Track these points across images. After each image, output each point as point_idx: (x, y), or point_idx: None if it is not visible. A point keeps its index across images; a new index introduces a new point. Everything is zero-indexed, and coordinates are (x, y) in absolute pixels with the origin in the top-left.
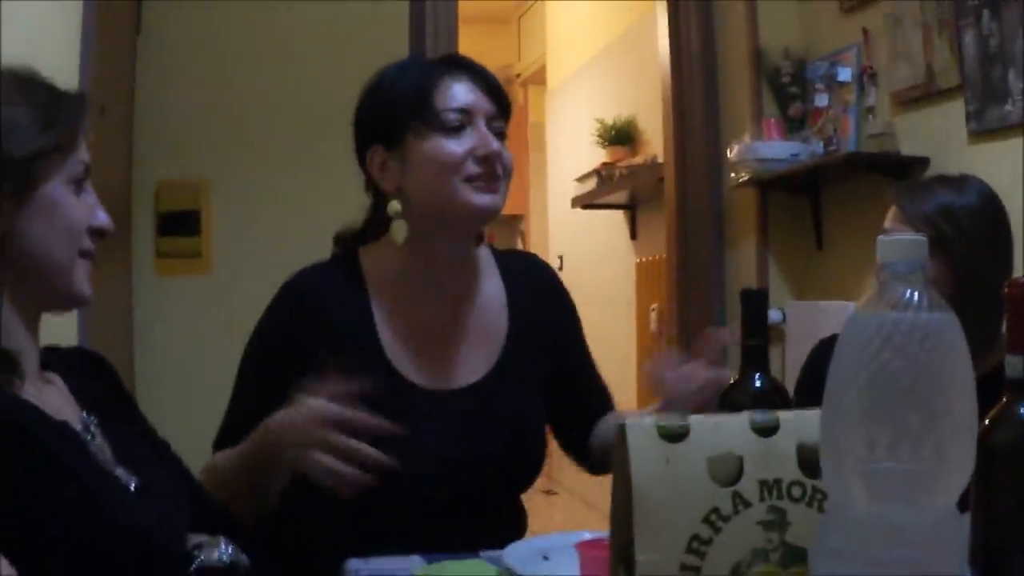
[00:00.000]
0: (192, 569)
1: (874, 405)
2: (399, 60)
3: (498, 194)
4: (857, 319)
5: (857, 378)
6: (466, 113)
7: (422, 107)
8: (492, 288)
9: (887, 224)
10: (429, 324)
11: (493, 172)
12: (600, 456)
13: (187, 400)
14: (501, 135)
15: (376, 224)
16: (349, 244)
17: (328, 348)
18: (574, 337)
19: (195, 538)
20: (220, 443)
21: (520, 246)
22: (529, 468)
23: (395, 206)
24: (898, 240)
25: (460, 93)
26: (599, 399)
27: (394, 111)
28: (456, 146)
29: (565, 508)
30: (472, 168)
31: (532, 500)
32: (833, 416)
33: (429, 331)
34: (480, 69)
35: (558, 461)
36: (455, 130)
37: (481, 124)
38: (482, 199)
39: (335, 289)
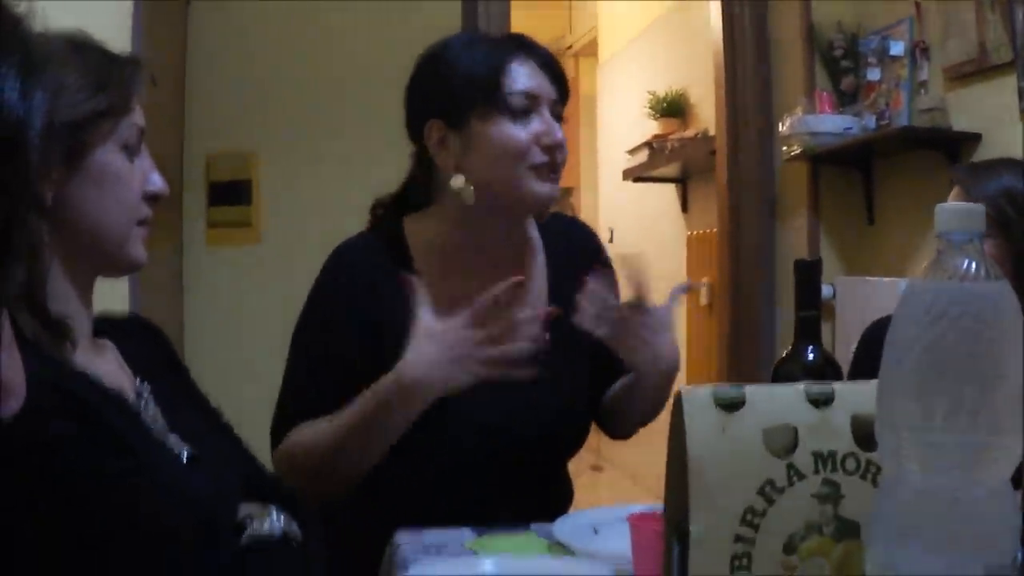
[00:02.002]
0: (244, 539)
1: (931, 376)
2: (462, 34)
3: (557, 183)
4: (914, 289)
5: (914, 349)
6: (532, 98)
7: (490, 89)
8: (535, 256)
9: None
10: (474, 292)
11: (555, 161)
12: (607, 411)
13: (237, 370)
14: (560, 119)
15: (420, 193)
16: (392, 214)
17: (378, 317)
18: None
19: (246, 508)
20: (286, 414)
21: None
22: (575, 436)
23: (459, 181)
24: (956, 209)
25: (527, 77)
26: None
27: (460, 89)
28: (522, 132)
29: (611, 484)
30: (537, 156)
31: (579, 476)
32: (889, 387)
33: (474, 299)
34: (545, 52)
35: (605, 437)
36: (521, 114)
37: (546, 110)
38: (543, 188)
39: (381, 259)
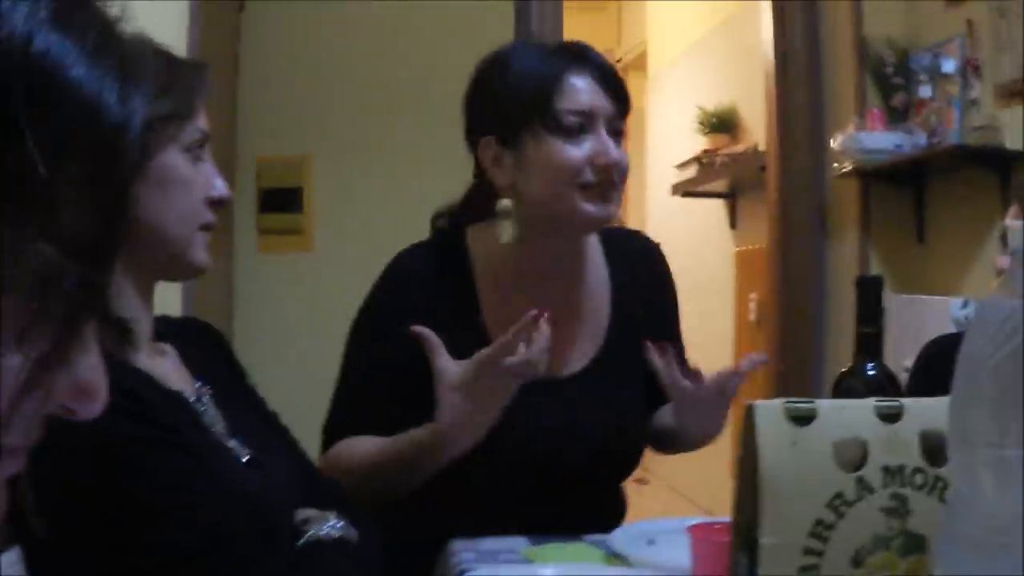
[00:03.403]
0: (301, 543)
1: (1005, 391)
2: (518, 45)
3: (612, 203)
4: (988, 305)
5: (987, 365)
6: (587, 116)
7: (542, 108)
8: (597, 273)
9: (1008, 220)
10: (534, 308)
11: (610, 180)
12: (656, 436)
13: (287, 378)
14: (619, 134)
15: (482, 205)
16: (454, 224)
17: (434, 328)
18: (673, 328)
19: (304, 512)
20: (337, 425)
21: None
22: (630, 456)
23: (505, 205)
24: None
25: (582, 93)
26: None
27: (511, 107)
28: (575, 152)
29: (656, 497)
30: (589, 176)
31: (624, 490)
32: (962, 403)
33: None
34: (602, 63)
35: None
36: (574, 133)
37: (601, 129)
38: (594, 210)
39: (439, 271)
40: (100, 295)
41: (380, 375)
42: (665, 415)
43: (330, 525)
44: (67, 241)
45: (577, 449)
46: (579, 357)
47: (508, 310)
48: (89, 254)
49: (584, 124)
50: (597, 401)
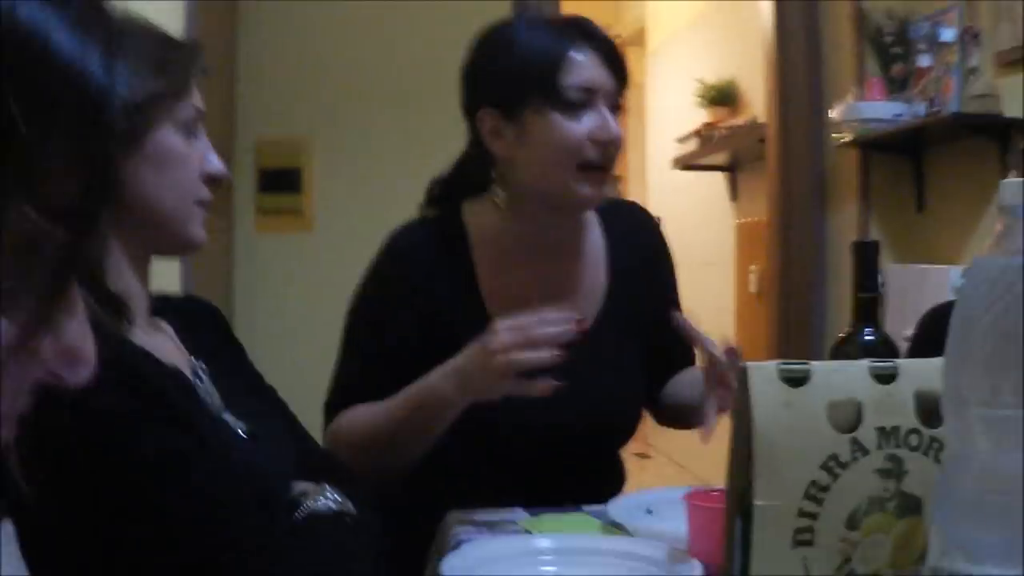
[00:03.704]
0: (298, 515)
1: (998, 351)
2: (521, 18)
3: (606, 185)
4: (979, 264)
5: (980, 323)
6: (589, 91)
7: (546, 82)
8: (593, 244)
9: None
10: (531, 281)
11: (608, 156)
12: (665, 406)
13: (287, 357)
14: (618, 109)
15: (478, 177)
16: (449, 199)
17: (432, 304)
18: (671, 297)
19: (299, 486)
20: (338, 403)
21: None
22: (627, 423)
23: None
24: (1020, 184)
25: (585, 68)
26: (682, 357)
27: (515, 80)
28: (576, 127)
29: (658, 471)
30: (589, 152)
31: (625, 463)
32: (955, 363)
33: (531, 288)
34: (605, 38)
35: (652, 424)
36: (576, 108)
37: (601, 104)
38: (588, 191)
39: (437, 246)
40: (85, 259)
41: (380, 351)
42: (680, 389)
43: (327, 498)
44: (50, 205)
45: (576, 416)
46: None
47: (506, 284)
48: (73, 218)
49: (586, 99)
50: (595, 368)
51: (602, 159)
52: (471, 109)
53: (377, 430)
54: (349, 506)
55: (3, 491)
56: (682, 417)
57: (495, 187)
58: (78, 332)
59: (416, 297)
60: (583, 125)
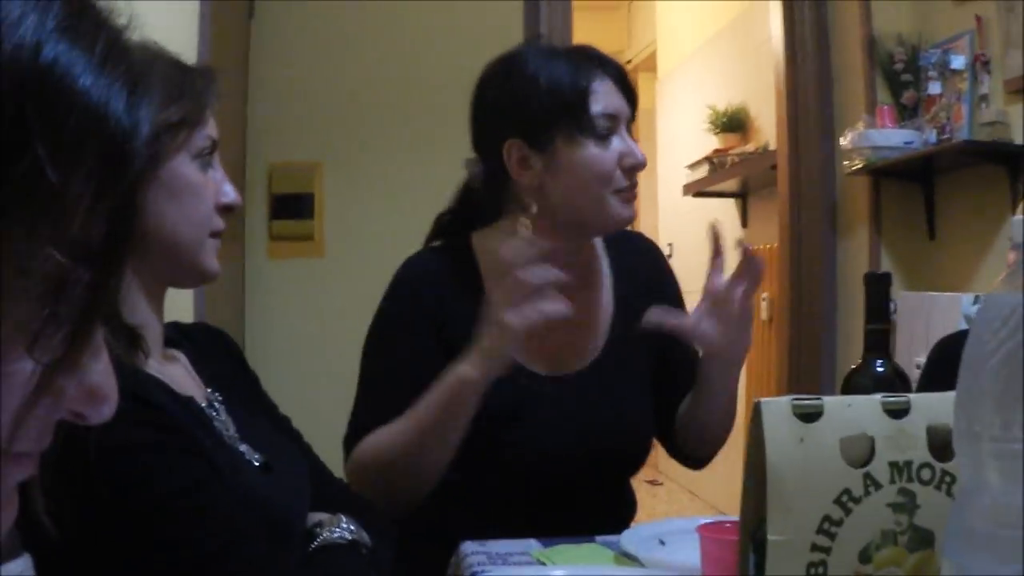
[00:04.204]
0: (314, 546)
1: (1009, 386)
2: (534, 46)
3: (634, 203)
4: (992, 299)
5: (991, 360)
6: (613, 118)
7: (577, 111)
8: (601, 272)
9: (1018, 214)
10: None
11: (635, 182)
12: (684, 430)
13: (299, 383)
14: (632, 135)
15: (491, 208)
16: (458, 227)
17: (447, 329)
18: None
19: (315, 516)
20: (359, 431)
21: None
22: (637, 450)
23: (524, 224)
24: None
25: (607, 96)
26: (688, 382)
27: (543, 110)
28: (607, 155)
29: (669, 498)
30: (621, 180)
31: (636, 490)
32: (967, 397)
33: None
34: (619, 68)
35: (663, 451)
36: (604, 137)
37: (624, 131)
38: (625, 212)
39: (449, 276)
40: (110, 299)
41: (400, 377)
42: (685, 403)
43: (343, 528)
44: (76, 246)
45: (587, 443)
46: (582, 356)
47: None
48: (98, 259)
49: (611, 126)
50: (604, 395)
51: (633, 183)
52: (491, 141)
53: (404, 438)
54: (364, 536)
55: (22, 526)
56: (693, 429)
57: (512, 216)
58: (101, 371)
59: (432, 322)
60: (612, 152)
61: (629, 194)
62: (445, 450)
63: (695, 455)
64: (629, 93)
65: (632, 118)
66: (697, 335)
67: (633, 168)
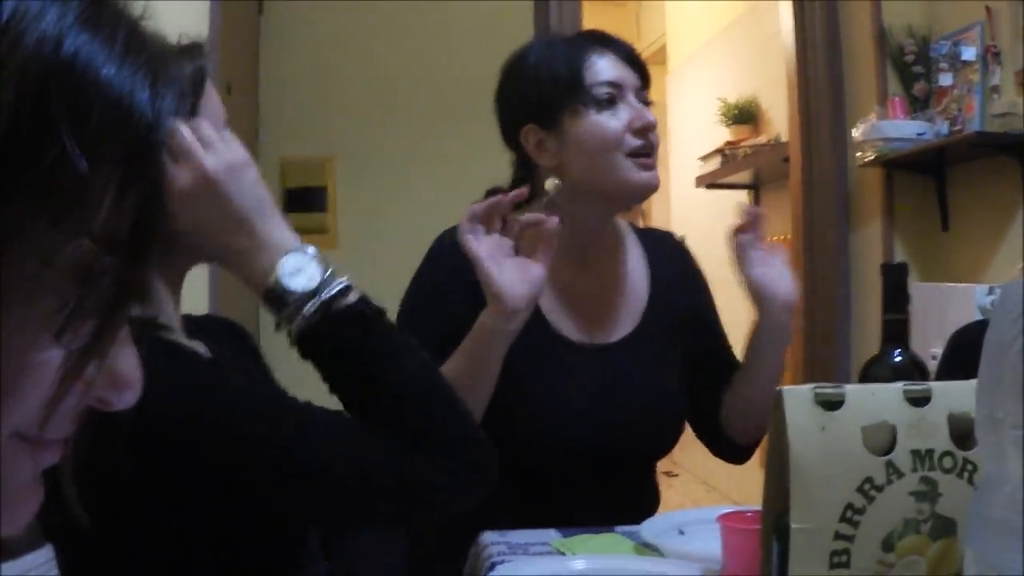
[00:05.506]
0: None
1: None
2: (539, 39)
3: (655, 170)
4: (1010, 289)
5: (1011, 347)
6: (616, 87)
7: (574, 86)
8: (634, 257)
9: None
10: (577, 284)
11: (650, 143)
12: (729, 411)
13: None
14: (647, 103)
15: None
16: None
17: (477, 302)
18: (710, 310)
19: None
20: None
21: (641, 226)
22: (667, 430)
23: (552, 184)
24: None
25: (607, 67)
26: (723, 373)
27: (546, 91)
28: (613, 121)
29: (685, 490)
30: (632, 142)
31: (656, 480)
32: (989, 385)
33: (577, 291)
34: (620, 42)
35: (680, 442)
36: (608, 105)
37: (631, 97)
38: (642, 175)
39: None
40: (138, 288)
41: (434, 346)
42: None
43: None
44: (104, 236)
45: (622, 413)
46: (620, 327)
47: (554, 282)
48: (126, 248)
49: (614, 95)
50: (636, 367)
51: (645, 145)
52: (511, 131)
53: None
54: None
55: (44, 516)
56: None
57: (542, 198)
58: (127, 359)
59: (463, 290)
60: (618, 119)
61: (645, 159)
62: (475, 399)
63: (737, 440)
64: (636, 64)
65: (643, 87)
66: (751, 278)
67: (643, 129)
